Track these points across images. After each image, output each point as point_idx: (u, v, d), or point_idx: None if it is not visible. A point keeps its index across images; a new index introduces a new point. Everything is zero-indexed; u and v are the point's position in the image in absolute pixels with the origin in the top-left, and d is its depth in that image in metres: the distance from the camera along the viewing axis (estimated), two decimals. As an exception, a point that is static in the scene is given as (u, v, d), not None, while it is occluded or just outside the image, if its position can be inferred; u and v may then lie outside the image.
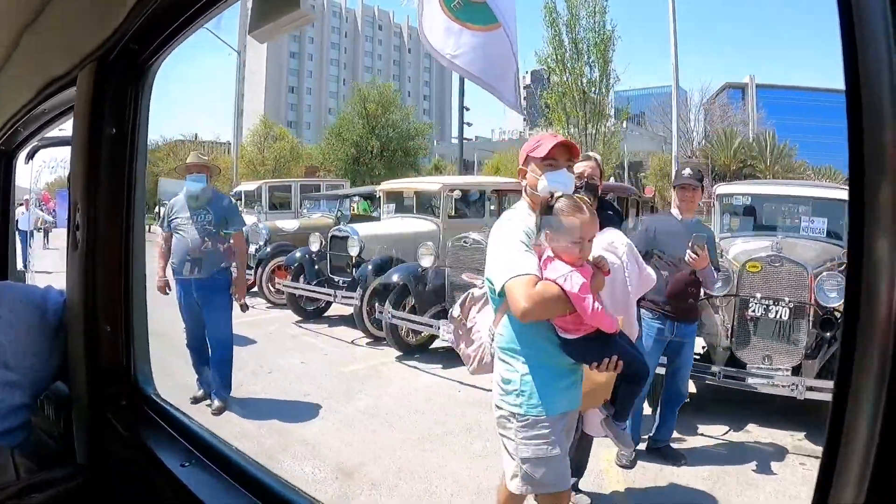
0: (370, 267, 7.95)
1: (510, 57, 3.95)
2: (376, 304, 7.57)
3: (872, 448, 0.58)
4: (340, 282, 8.54)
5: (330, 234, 8.84)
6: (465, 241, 6.94)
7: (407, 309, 7.22)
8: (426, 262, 7.32)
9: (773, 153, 33.63)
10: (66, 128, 2.20)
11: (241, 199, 12.98)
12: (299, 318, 9.21)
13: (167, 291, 5.27)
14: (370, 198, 15.60)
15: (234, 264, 5.34)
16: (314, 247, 9.16)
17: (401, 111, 30.67)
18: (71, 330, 1.75)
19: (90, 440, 1.71)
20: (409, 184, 11.39)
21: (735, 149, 39.33)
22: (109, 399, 1.70)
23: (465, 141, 27.98)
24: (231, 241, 5.22)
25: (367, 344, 7.89)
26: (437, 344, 7.38)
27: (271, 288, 10.01)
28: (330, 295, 8.44)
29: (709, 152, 45.27)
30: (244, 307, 5.53)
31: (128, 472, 1.66)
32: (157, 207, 17.86)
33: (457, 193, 10.17)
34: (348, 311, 8.43)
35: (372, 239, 8.60)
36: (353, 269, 8.27)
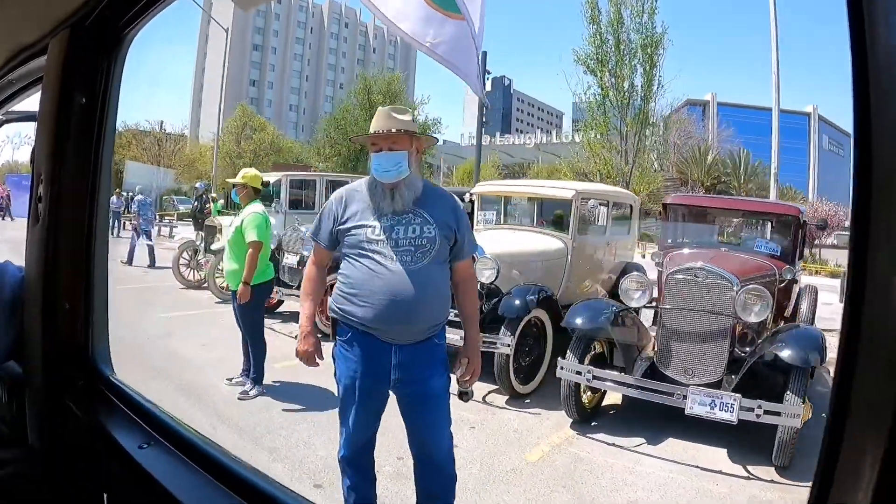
0: (518, 301, 5.79)
1: (473, 48, 3.99)
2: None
3: (880, 451, 0.57)
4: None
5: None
6: (695, 274, 4.90)
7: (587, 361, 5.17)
8: (637, 298, 5.23)
9: (746, 171, 34.40)
10: (32, 102, 2.10)
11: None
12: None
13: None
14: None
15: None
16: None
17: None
18: (28, 307, 1.67)
19: (44, 422, 1.65)
20: (523, 187, 9.08)
21: (709, 165, 40.30)
22: (65, 379, 1.64)
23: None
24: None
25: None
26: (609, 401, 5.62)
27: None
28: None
29: (683, 167, 46.34)
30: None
31: (83, 454, 1.60)
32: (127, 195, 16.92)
33: (591, 204, 8.53)
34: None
35: (504, 261, 6.28)
36: (485, 302, 6.06)
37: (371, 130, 2.81)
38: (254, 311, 5.34)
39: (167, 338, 7.44)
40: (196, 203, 15.46)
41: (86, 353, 1.71)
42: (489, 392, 5.74)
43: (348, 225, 2.77)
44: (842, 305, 0.68)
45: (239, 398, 5.33)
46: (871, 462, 0.58)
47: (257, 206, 5.46)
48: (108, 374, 1.73)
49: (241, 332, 5.55)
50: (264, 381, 5.54)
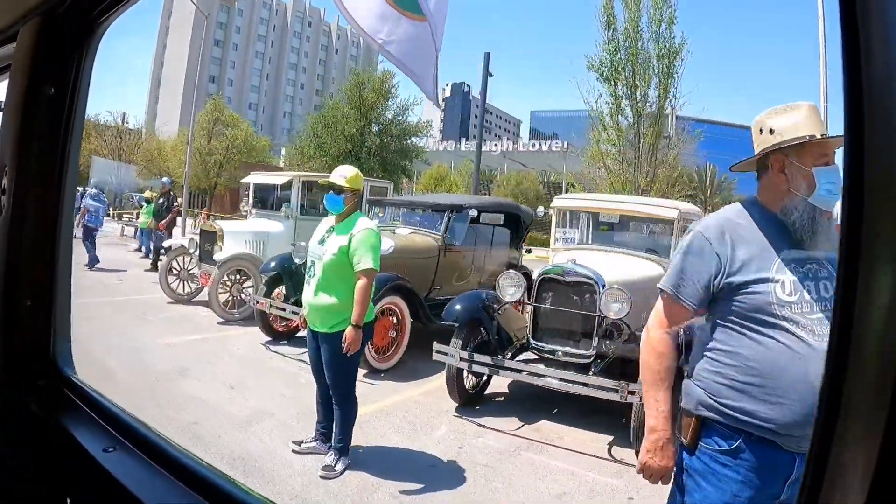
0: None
1: (432, 49, 3.94)
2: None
3: (875, 449, 0.57)
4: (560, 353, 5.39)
5: (542, 277, 5.59)
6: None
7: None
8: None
9: (712, 185, 34.29)
10: (-1, 90, 1.94)
11: (247, 196, 10.54)
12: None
13: None
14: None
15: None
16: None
17: (398, 104, 25.56)
18: None
19: (2, 423, 1.56)
20: (615, 203, 7.68)
21: (676, 178, 40.27)
22: (25, 379, 1.56)
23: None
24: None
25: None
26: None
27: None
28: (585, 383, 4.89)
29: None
30: None
31: (45, 457, 1.48)
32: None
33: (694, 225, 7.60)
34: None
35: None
36: (597, 339, 5.28)
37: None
38: (351, 359, 3.91)
39: (182, 377, 5.84)
40: (163, 201, 13.64)
41: (47, 353, 1.61)
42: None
43: (743, 278, 1.71)
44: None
45: (322, 476, 3.85)
46: (864, 463, 0.58)
47: (367, 221, 4.02)
48: (70, 375, 1.62)
49: (320, 382, 4.12)
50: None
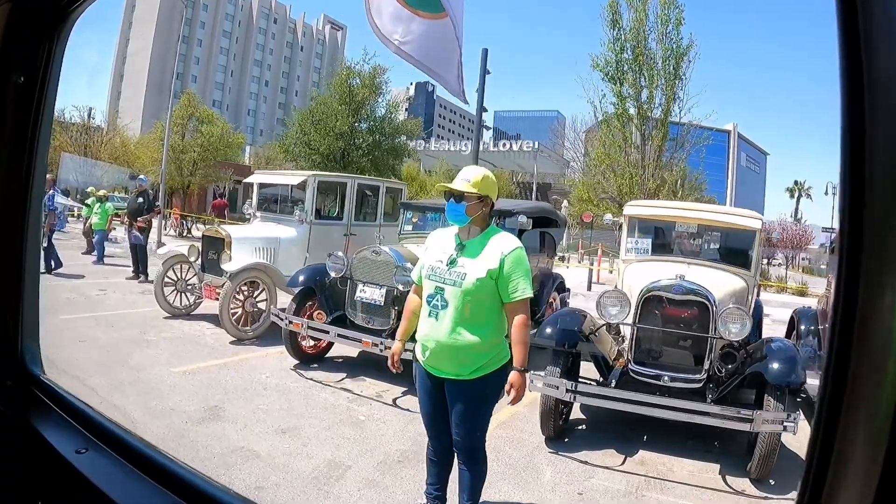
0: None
1: (455, 45, 3.77)
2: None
3: (879, 455, 0.56)
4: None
5: (648, 294, 4.91)
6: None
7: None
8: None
9: (684, 186, 34.22)
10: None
11: (250, 197, 9.31)
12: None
13: None
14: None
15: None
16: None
17: (387, 100, 23.69)
18: None
19: None
20: (693, 212, 6.76)
21: (683, 182, 40.25)
22: None
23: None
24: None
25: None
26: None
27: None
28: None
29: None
30: None
31: (14, 460, 1.42)
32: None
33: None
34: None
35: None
36: (709, 362, 4.77)
37: None
38: (490, 402, 3.07)
39: (216, 418, 4.78)
40: (142, 200, 12.19)
41: (15, 352, 1.54)
42: None
43: None
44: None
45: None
46: (866, 468, 0.58)
47: (512, 237, 3.10)
48: (39, 375, 1.57)
49: (438, 437, 3.22)
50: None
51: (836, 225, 0.66)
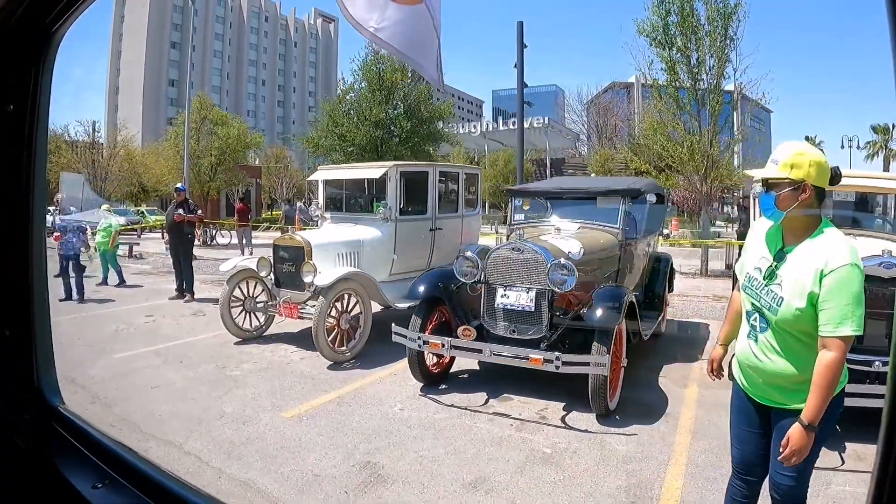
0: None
1: (432, 32, 3.74)
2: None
3: None
4: None
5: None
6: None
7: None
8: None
9: (648, 153, 32.38)
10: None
11: (313, 194, 8.08)
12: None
13: None
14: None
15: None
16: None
17: (420, 85, 21.28)
18: None
19: None
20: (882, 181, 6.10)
21: (644, 147, 38.37)
22: (9, 412, 1.41)
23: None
24: None
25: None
26: None
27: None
28: None
29: (634, 150, 44.29)
30: None
31: (30, 496, 1.34)
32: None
33: None
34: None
35: None
36: None
37: None
38: (819, 441, 2.22)
39: (379, 481, 3.51)
40: (182, 211, 10.79)
41: (31, 383, 1.47)
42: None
43: None
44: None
45: None
46: None
47: (844, 241, 2.16)
48: (58, 405, 1.49)
49: (756, 474, 2.55)
50: None
51: None
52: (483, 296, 5.17)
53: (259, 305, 7.37)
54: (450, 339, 4.89)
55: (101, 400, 5.09)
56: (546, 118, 56.58)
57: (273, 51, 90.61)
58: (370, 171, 7.55)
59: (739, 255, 12.88)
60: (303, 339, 7.28)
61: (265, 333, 7.52)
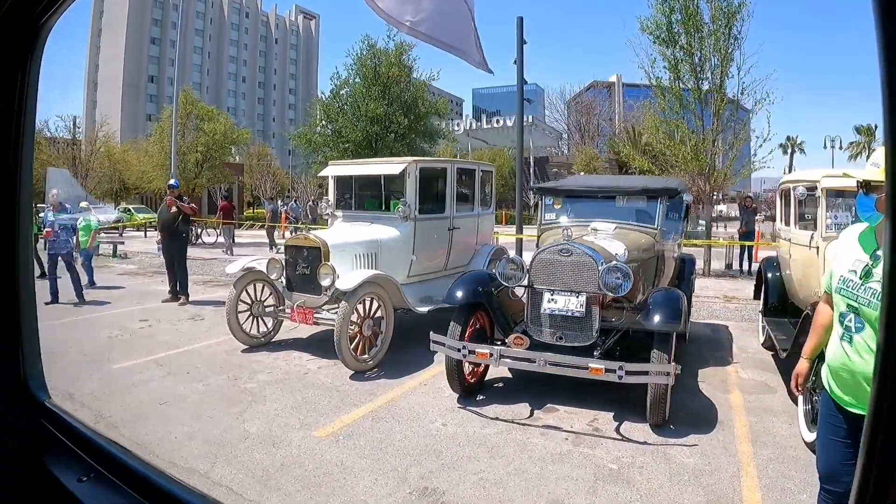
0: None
1: (467, 12, 3.29)
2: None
3: None
4: None
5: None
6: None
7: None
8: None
9: (651, 152, 32.34)
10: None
11: (326, 197, 7.51)
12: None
13: None
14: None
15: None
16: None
17: (417, 80, 20.64)
18: None
19: None
20: None
21: (643, 146, 38.16)
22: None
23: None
24: None
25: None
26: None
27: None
28: None
29: (618, 147, 44.10)
30: None
31: (16, 490, 1.32)
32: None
33: None
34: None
35: None
36: None
37: None
38: None
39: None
40: (176, 209, 10.17)
41: (17, 378, 1.44)
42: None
43: None
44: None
45: None
46: None
47: None
48: (44, 400, 1.46)
49: (846, 476, 2.41)
50: None
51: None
52: (527, 301, 4.77)
53: (268, 310, 6.85)
54: (499, 348, 4.45)
55: (105, 419, 4.55)
56: (531, 116, 56.37)
57: (254, 47, 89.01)
58: (388, 166, 7.07)
59: (741, 255, 12.43)
60: (314, 346, 6.79)
61: (273, 339, 7.01)
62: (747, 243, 14.03)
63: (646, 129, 15.40)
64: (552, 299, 4.62)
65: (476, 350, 4.47)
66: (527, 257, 5.08)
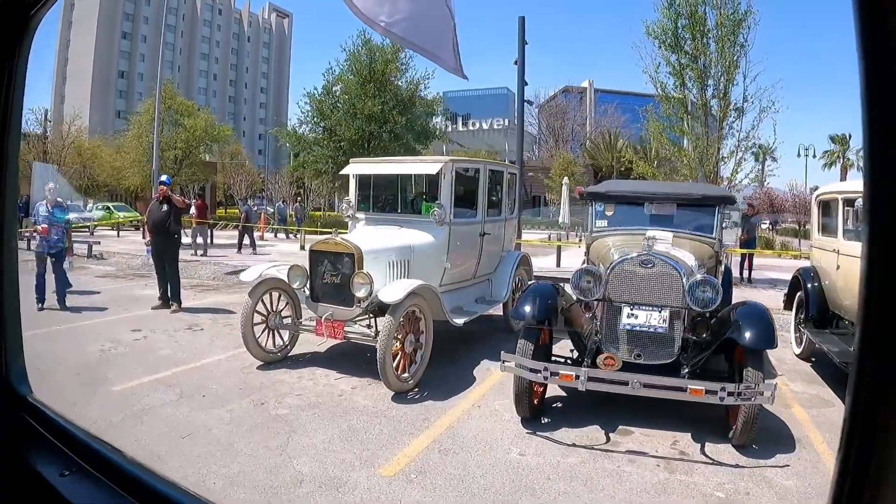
0: None
1: (447, 17, 3.00)
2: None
3: None
4: None
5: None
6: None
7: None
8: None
9: (657, 158, 32.29)
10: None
11: (347, 199, 6.83)
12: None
13: None
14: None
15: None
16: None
17: (416, 77, 20.04)
18: None
19: None
20: None
21: (618, 152, 38.19)
22: None
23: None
24: None
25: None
26: None
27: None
28: None
29: (594, 153, 44.05)
30: None
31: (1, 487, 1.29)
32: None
33: None
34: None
35: None
36: None
37: None
38: None
39: None
40: (167, 208, 9.35)
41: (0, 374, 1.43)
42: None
43: None
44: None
45: None
46: None
47: None
48: (26, 395, 1.43)
49: None
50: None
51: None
52: (603, 315, 4.25)
53: (285, 322, 6.18)
54: (586, 369, 3.92)
55: (123, 454, 3.84)
56: (506, 120, 56.17)
57: (226, 45, 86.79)
58: (422, 165, 6.48)
59: (742, 263, 12.11)
60: (338, 362, 6.15)
61: (290, 353, 6.34)
62: (748, 251, 13.79)
63: (650, 134, 15.07)
64: (632, 314, 4.12)
65: (560, 372, 3.93)
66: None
